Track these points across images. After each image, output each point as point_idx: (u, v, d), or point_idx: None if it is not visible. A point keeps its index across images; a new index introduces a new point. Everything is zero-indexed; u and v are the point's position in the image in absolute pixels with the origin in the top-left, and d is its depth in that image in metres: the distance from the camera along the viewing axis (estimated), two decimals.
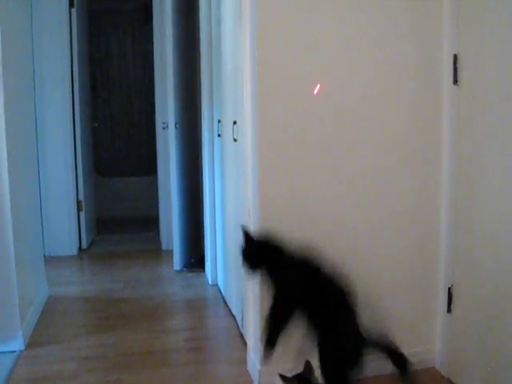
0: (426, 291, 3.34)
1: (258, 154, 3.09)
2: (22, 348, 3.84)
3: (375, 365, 2.63)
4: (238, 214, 3.90)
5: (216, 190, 5.13)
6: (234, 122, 3.87)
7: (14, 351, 3.79)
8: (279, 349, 2.60)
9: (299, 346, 2.63)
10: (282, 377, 2.63)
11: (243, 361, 3.42)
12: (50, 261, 5.86)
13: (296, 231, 3.11)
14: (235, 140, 3.89)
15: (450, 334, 3.24)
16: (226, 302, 4.72)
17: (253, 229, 3.15)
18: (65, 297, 5.12)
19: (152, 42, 6.93)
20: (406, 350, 2.69)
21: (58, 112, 6.61)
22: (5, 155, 3.68)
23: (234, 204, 4.16)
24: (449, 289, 3.23)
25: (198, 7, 5.27)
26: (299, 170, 3.13)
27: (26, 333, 3.95)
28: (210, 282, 5.39)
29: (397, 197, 3.25)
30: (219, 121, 4.73)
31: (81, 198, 7.00)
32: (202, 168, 5.54)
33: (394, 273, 3.29)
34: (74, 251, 6.87)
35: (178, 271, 5.89)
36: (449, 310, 3.24)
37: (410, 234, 3.29)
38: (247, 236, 2.72)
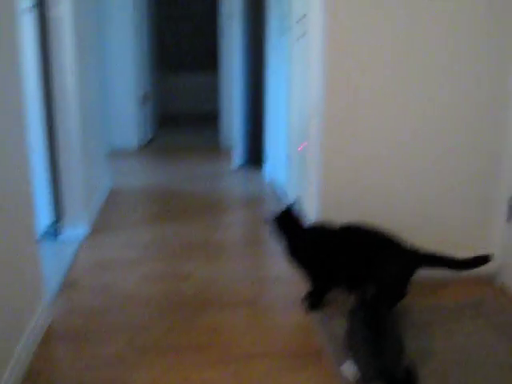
0: (486, 199, 3.23)
1: (326, 51, 2.98)
2: (86, 235, 3.96)
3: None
4: (302, 112, 3.84)
5: (280, 87, 5.04)
6: (302, 17, 3.75)
7: (78, 237, 3.91)
8: None
9: None
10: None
11: None
12: (113, 154, 5.95)
13: (359, 129, 3.05)
14: (303, 35, 3.77)
15: (509, 243, 3.17)
16: (283, 199, 4.72)
17: (317, 127, 3.10)
18: (126, 188, 5.22)
19: None
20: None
21: (122, 6, 6.55)
22: (72, 50, 3.67)
23: (299, 102, 4.09)
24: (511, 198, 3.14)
25: None
26: (367, 65, 3.00)
27: (90, 220, 4.07)
28: (269, 180, 5.41)
29: (458, 100, 3.10)
30: (286, 16, 4.60)
31: (144, 92, 7.02)
32: (266, 64, 5.44)
33: (452, 180, 3.19)
34: (136, 145, 6.96)
35: (237, 168, 5.92)
36: (510, 219, 3.16)
37: (472, 139, 3.16)
38: (289, 207, 2.91)
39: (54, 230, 3.92)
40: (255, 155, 6.07)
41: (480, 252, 2.85)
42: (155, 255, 3.68)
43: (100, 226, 4.17)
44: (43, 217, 3.78)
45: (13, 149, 2.42)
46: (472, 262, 2.81)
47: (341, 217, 2.97)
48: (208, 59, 9.28)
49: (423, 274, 2.80)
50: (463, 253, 2.78)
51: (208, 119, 8.51)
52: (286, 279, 3.25)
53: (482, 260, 2.82)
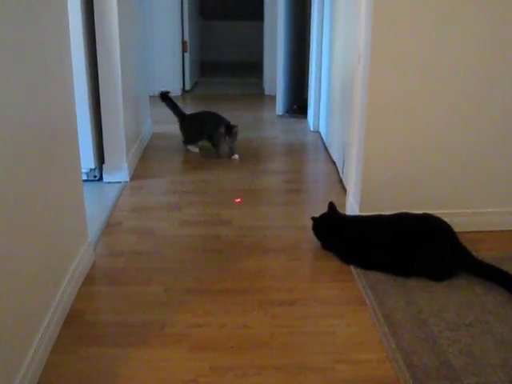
0: None
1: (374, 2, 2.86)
2: (127, 180, 3.98)
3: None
4: (347, 60, 3.75)
5: (324, 36, 4.94)
6: None
7: (120, 182, 3.93)
8: None
9: None
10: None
11: (342, 205, 3.40)
12: (155, 100, 5.93)
13: (405, 77, 2.96)
14: None
15: None
16: (326, 148, 4.67)
17: (362, 76, 3.03)
18: (168, 135, 5.21)
19: None
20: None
21: None
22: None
23: (343, 50, 4.00)
24: None
25: None
26: (414, 17, 2.89)
27: (130, 166, 4.08)
28: (311, 128, 5.35)
29: None
30: None
31: (186, 39, 6.97)
32: (310, 13, 5.34)
33: None
34: (178, 92, 6.94)
35: (279, 116, 5.87)
36: None
37: None
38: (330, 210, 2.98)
39: (97, 175, 3.94)
40: (298, 104, 6.01)
41: None
42: (196, 201, 3.68)
43: (141, 172, 4.18)
44: (86, 161, 3.80)
45: (59, 95, 2.41)
46: None
47: (383, 177, 2.97)
48: (253, 9, 9.14)
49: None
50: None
51: (251, 67, 8.43)
52: None
53: None
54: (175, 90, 6.90)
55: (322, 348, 2.21)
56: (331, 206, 2.98)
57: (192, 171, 4.27)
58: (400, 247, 2.69)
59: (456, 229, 2.72)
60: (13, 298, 1.88)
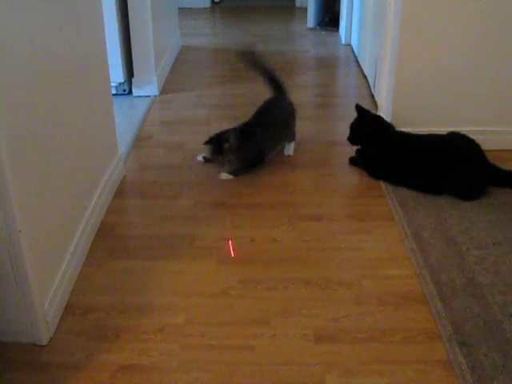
0: None
1: None
2: (157, 93, 3.96)
3: None
4: None
5: None
6: None
7: (149, 96, 3.91)
8: None
9: None
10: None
11: None
12: (184, 12, 5.83)
13: None
14: None
15: None
16: (358, 62, 4.57)
17: None
18: (197, 47, 5.14)
19: None
20: None
21: None
22: None
23: None
24: None
25: None
26: None
27: (159, 80, 4.05)
28: (343, 42, 5.22)
29: None
30: None
31: None
32: None
33: None
34: (207, 3, 6.80)
35: (310, 29, 5.73)
36: None
37: None
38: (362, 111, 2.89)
39: (126, 89, 3.93)
40: (330, 16, 5.86)
41: None
42: (226, 115, 3.65)
43: (170, 86, 4.15)
44: (115, 75, 3.77)
45: (87, 9, 2.37)
46: None
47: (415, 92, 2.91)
48: None
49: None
50: None
51: None
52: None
53: None
54: (204, 2, 6.77)
55: (349, 263, 2.23)
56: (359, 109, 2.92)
57: (222, 85, 4.22)
58: (430, 165, 2.66)
59: (485, 147, 2.68)
60: (47, 211, 1.91)
